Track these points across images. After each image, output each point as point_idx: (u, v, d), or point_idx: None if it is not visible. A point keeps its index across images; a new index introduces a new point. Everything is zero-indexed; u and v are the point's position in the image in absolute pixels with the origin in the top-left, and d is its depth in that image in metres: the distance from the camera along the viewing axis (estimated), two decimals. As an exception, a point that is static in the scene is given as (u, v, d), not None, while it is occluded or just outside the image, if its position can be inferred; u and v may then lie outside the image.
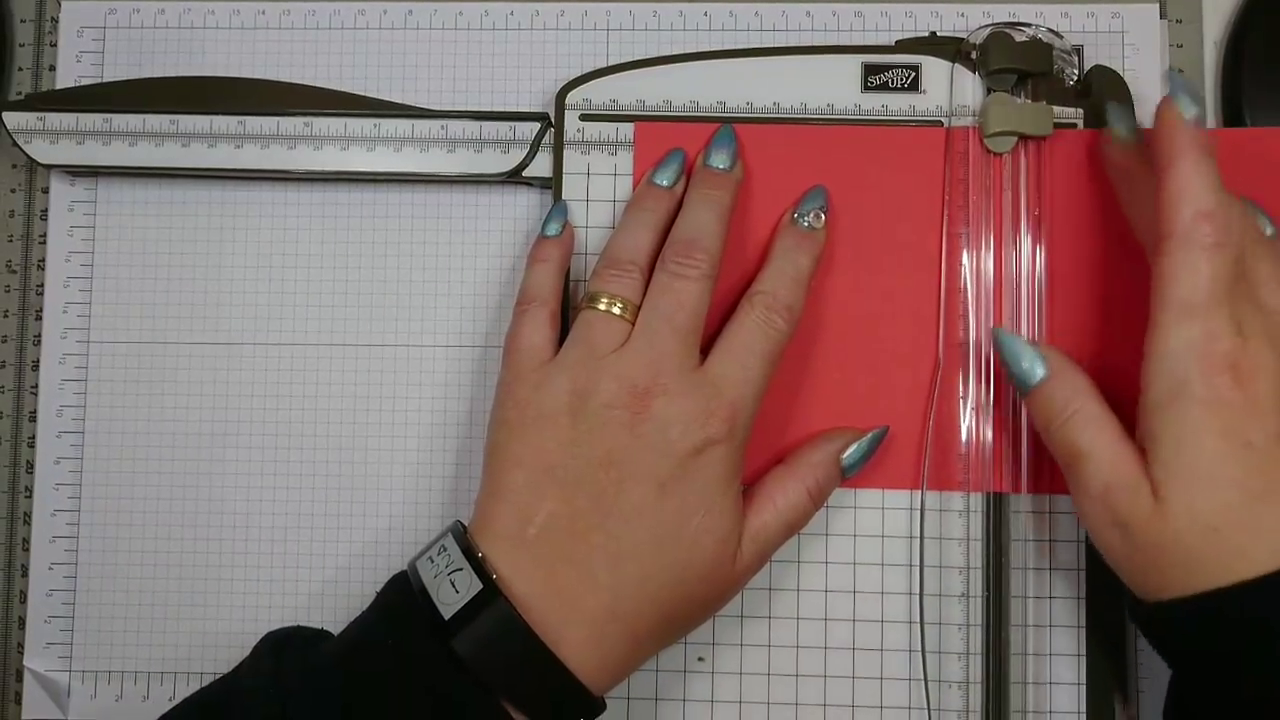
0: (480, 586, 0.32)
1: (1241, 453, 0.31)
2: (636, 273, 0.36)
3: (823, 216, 0.38)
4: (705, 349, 0.36)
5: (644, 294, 0.36)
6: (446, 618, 0.32)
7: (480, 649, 0.31)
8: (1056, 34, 0.40)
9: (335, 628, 0.35)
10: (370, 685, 0.32)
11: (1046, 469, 0.38)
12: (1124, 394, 0.39)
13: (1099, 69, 0.40)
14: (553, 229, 0.39)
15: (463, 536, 0.34)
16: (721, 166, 0.38)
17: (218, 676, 0.40)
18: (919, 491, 0.39)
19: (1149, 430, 0.32)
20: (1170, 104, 0.34)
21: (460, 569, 0.33)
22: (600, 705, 0.33)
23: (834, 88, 0.40)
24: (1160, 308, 0.33)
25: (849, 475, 0.38)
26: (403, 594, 0.33)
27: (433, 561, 0.33)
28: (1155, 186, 0.33)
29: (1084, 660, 0.38)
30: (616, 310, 0.35)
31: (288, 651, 0.34)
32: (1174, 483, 0.31)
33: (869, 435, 0.38)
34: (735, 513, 0.34)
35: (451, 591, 0.32)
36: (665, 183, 0.38)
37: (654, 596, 0.33)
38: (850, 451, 0.37)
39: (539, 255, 0.38)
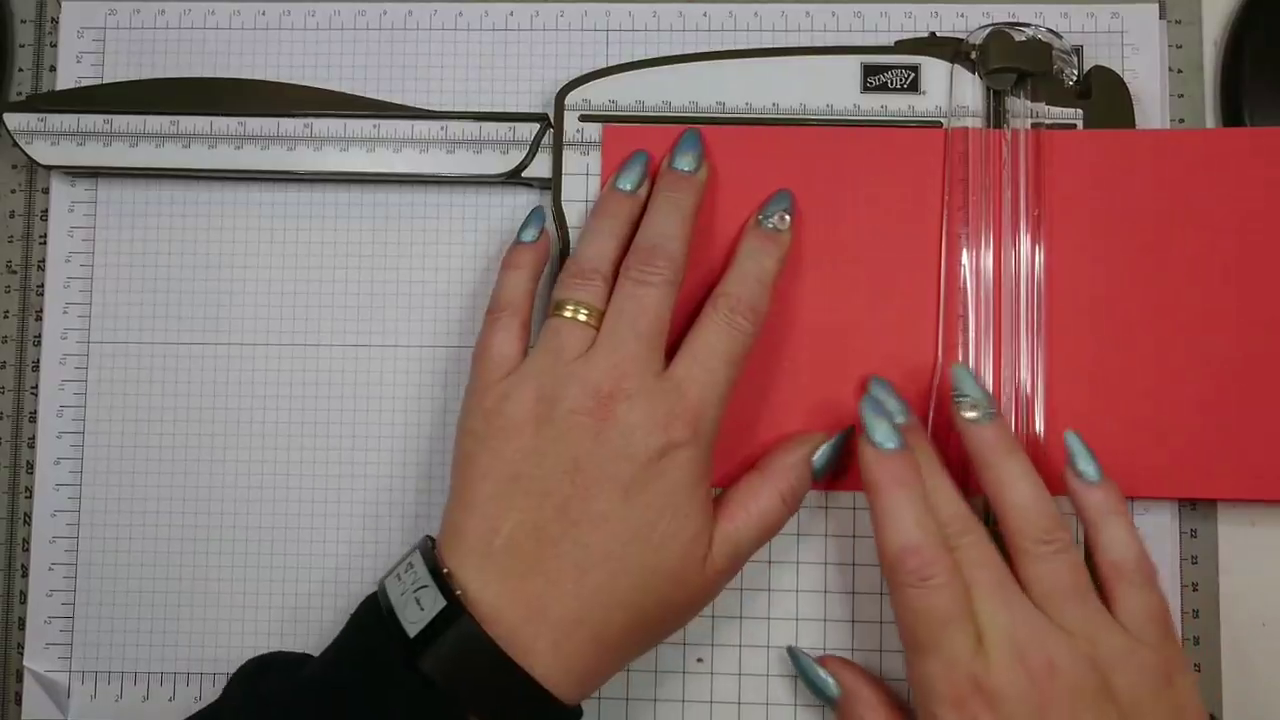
0: (444, 604, 0.32)
1: None
2: (599, 280, 0.36)
3: (787, 218, 0.38)
4: (673, 354, 0.36)
5: (609, 300, 0.36)
6: (411, 636, 0.32)
7: (446, 666, 0.31)
8: (1056, 34, 0.40)
9: (336, 628, 0.35)
10: (342, 709, 0.32)
11: (1046, 469, 0.38)
12: (1125, 393, 0.39)
13: (1098, 69, 0.40)
14: (529, 235, 0.39)
15: (430, 552, 0.34)
16: (686, 169, 0.38)
17: (217, 677, 0.40)
18: (918, 492, 0.39)
19: None
20: (863, 440, 0.35)
21: (425, 586, 0.33)
22: (575, 713, 0.33)
23: (833, 88, 0.40)
24: (903, 641, 0.34)
25: (819, 477, 0.37)
26: (371, 614, 0.34)
27: (400, 579, 0.34)
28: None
29: (1084, 661, 0.38)
30: (582, 317, 0.35)
31: (263, 679, 0.35)
32: None
33: (837, 437, 0.38)
34: (703, 515, 0.34)
35: (417, 609, 0.32)
36: (628, 187, 0.38)
37: (622, 602, 0.33)
38: (820, 454, 0.37)
39: (513, 262, 0.38)
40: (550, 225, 0.40)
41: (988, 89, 0.40)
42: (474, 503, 0.34)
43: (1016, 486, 0.35)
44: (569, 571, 0.33)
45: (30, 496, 0.42)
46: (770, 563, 0.40)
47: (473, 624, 0.32)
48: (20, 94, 0.43)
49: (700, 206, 0.38)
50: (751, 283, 0.37)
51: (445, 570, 0.33)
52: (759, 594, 0.40)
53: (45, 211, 0.43)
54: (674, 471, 0.34)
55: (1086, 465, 0.36)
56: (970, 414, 0.36)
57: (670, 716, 0.39)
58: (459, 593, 0.32)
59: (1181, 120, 0.41)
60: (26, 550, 0.42)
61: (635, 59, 0.41)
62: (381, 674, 0.32)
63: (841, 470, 0.38)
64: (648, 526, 0.33)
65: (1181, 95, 0.42)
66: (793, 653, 0.39)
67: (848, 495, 0.39)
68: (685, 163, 0.38)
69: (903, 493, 0.34)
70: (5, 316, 0.43)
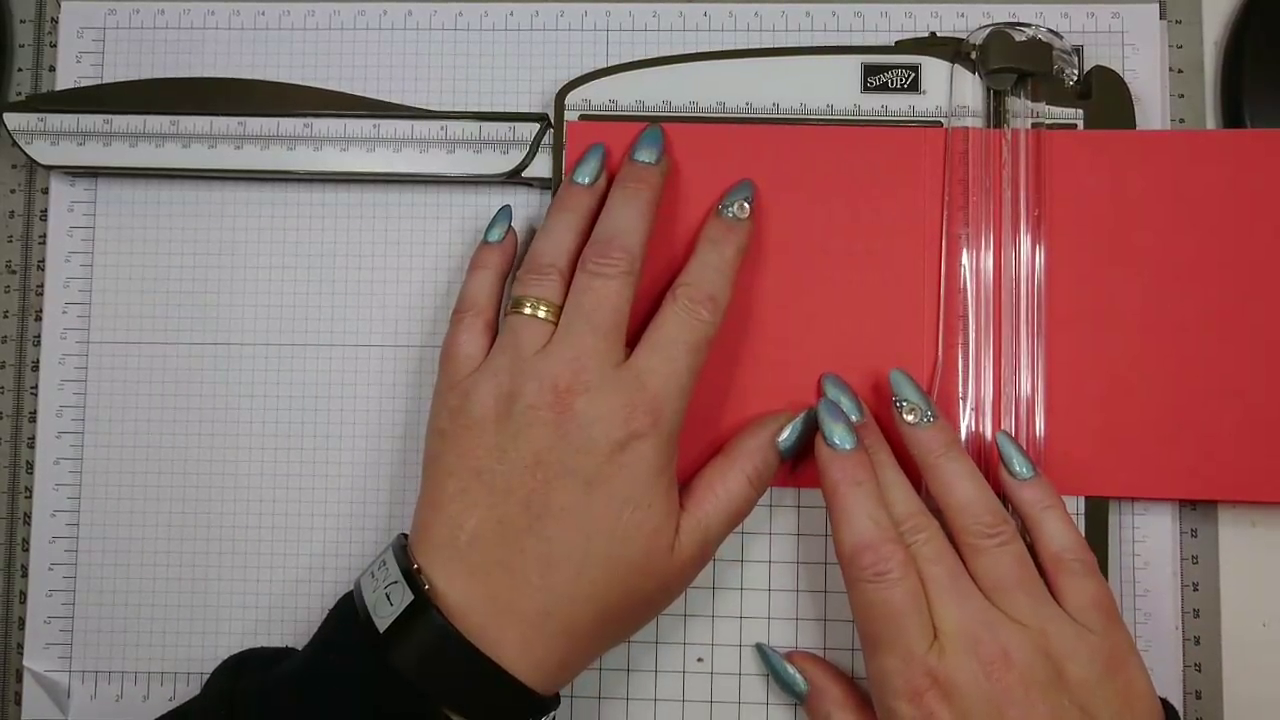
0: (412, 598, 0.32)
1: None
2: (556, 275, 0.36)
3: (747, 207, 0.38)
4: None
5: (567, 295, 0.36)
6: (381, 631, 0.32)
7: (416, 660, 0.32)
8: (1056, 34, 0.40)
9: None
10: (315, 705, 0.32)
11: (1046, 469, 0.38)
12: (1125, 393, 0.39)
13: (1099, 69, 0.40)
14: (494, 235, 0.39)
15: (402, 550, 0.34)
16: (646, 160, 0.38)
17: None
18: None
19: None
20: (820, 440, 0.36)
21: (396, 582, 0.33)
22: (550, 702, 0.34)
23: (834, 88, 0.40)
24: (861, 638, 0.35)
25: (787, 457, 0.38)
26: (346, 611, 0.34)
27: (374, 576, 0.34)
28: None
29: (1084, 661, 0.38)
30: (541, 313, 0.35)
31: (243, 675, 0.35)
32: None
33: (802, 415, 0.38)
34: (667, 505, 0.34)
35: (387, 605, 0.33)
36: (585, 180, 0.38)
37: (589, 594, 0.33)
38: (786, 434, 0.37)
39: (479, 262, 0.38)
40: (517, 225, 0.40)
41: (988, 89, 0.40)
42: (440, 500, 0.34)
43: (958, 485, 0.35)
44: (534, 566, 0.33)
45: (30, 496, 0.42)
46: (770, 563, 0.40)
47: (439, 617, 0.32)
48: (20, 94, 0.43)
49: (660, 200, 0.38)
50: (711, 272, 0.37)
51: (415, 566, 0.33)
52: (758, 594, 0.40)
53: (45, 211, 0.43)
54: (636, 463, 0.34)
55: (1019, 465, 0.36)
56: (910, 418, 0.36)
57: (670, 716, 0.39)
58: (427, 587, 0.33)
59: (1182, 120, 0.41)
60: (26, 550, 0.42)
61: (635, 59, 0.41)
62: (353, 669, 0.32)
63: (809, 450, 0.38)
64: (611, 519, 0.33)
65: (1182, 95, 0.42)
66: (761, 649, 0.39)
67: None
68: (645, 155, 0.38)
69: (857, 491, 0.35)
70: (5, 316, 0.43)
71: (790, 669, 0.38)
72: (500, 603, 0.33)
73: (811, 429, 0.37)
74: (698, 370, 0.36)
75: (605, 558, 0.33)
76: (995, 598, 0.34)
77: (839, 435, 0.36)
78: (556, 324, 0.35)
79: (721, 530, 0.36)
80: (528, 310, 0.36)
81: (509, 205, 0.40)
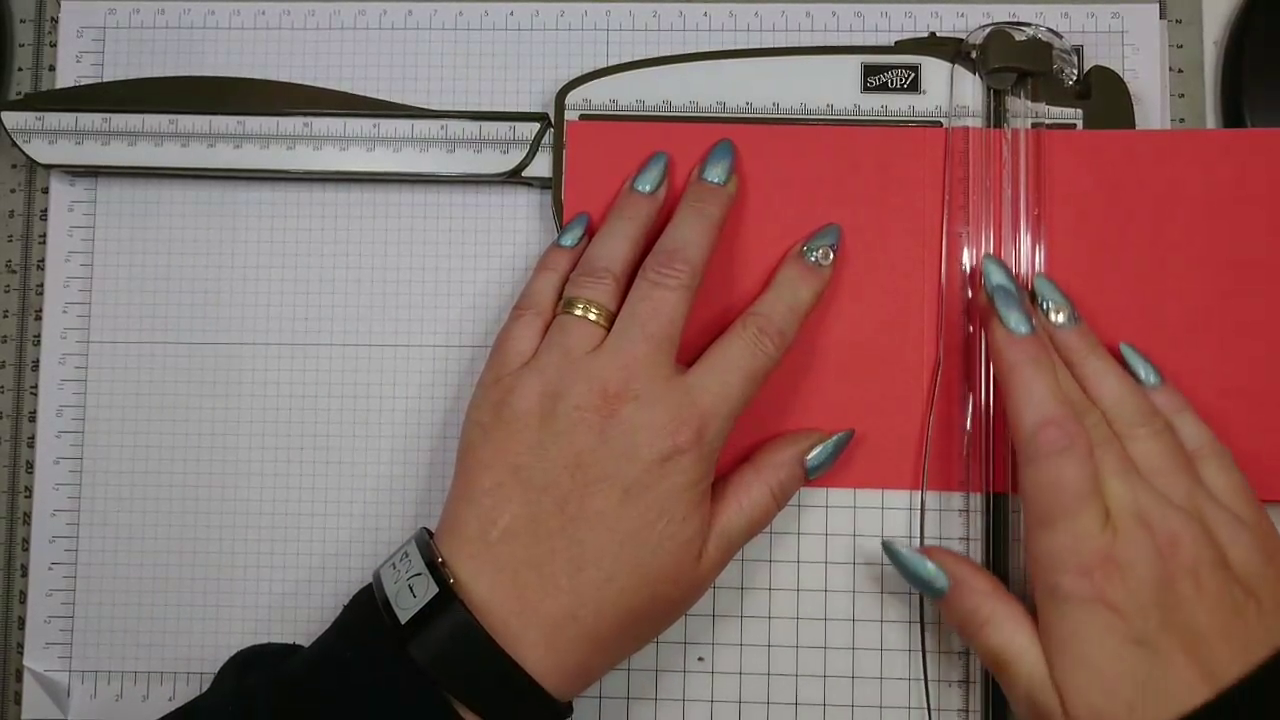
0: (436, 591, 0.32)
1: (1127, 649, 0.32)
2: (610, 280, 0.36)
3: (831, 255, 0.38)
4: (688, 364, 0.36)
5: (621, 302, 0.36)
6: (403, 623, 0.32)
7: (435, 653, 0.32)
8: (1056, 34, 0.40)
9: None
10: (328, 695, 0.32)
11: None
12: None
13: (1099, 69, 0.40)
14: (568, 240, 0.39)
15: (426, 542, 0.34)
16: (716, 180, 0.38)
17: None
18: (919, 492, 0.39)
19: (1043, 627, 0.34)
20: (997, 325, 0.36)
21: (419, 574, 0.33)
22: (565, 709, 0.34)
23: (834, 88, 0.40)
24: (1027, 517, 0.34)
25: (813, 477, 0.38)
26: (365, 602, 0.34)
27: (395, 568, 0.34)
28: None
29: (1084, 660, 0.38)
30: (592, 316, 0.35)
31: (252, 669, 0.35)
32: (1070, 685, 0.32)
33: (834, 438, 0.38)
34: (699, 518, 0.34)
35: (410, 596, 0.32)
36: (646, 188, 0.38)
37: (615, 600, 0.33)
38: (815, 453, 0.37)
39: (547, 263, 0.38)
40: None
41: (988, 89, 0.40)
42: (473, 494, 0.34)
43: (1109, 380, 0.36)
44: (564, 567, 0.33)
45: (30, 496, 0.42)
46: (771, 562, 0.40)
47: (464, 611, 0.32)
48: (19, 93, 0.43)
49: (725, 219, 0.38)
50: (784, 309, 0.37)
51: (440, 559, 0.33)
52: (759, 593, 0.40)
53: (45, 211, 0.43)
54: (676, 476, 0.34)
55: (1147, 373, 0.37)
56: (1059, 317, 0.37)
57: (671, 716, 0.39)
58: (451, 581, 0.33)
59: (1181, 120, 0.42)
60: (26, 550, 0.42)
61: (635, 59, 0.41)
62: (370, 660, 0.32)
63: (831, 470, 0.38)
64: (645, 528, 0.33)
65: (1182, 95, 0.42)
66: (889, 547, 0.37)
67: (847, 493, 0.39)
68: (716, 174, 0.38)
69: (1038, 369, 0.35)
70: (5, 316, 0.43)
71: (929, 565, 0.36)
72: (525, 601, 0.33)
73: (840, 454, 0.38)
74: (749, 399, 0.36)
75: (635, 566, 0.33)
76: (1154, 482, 0.34)
77: (1016, 320, 0.36)
78: (607, 329, 0.35)
79: (743, 539, 0.36)
80: (578, 311, 0.35)
81: (586, 214, 0.39)
